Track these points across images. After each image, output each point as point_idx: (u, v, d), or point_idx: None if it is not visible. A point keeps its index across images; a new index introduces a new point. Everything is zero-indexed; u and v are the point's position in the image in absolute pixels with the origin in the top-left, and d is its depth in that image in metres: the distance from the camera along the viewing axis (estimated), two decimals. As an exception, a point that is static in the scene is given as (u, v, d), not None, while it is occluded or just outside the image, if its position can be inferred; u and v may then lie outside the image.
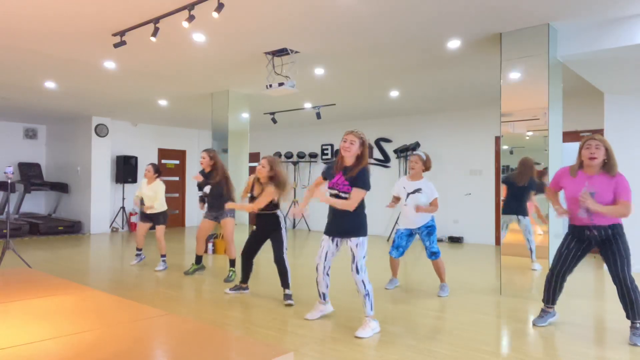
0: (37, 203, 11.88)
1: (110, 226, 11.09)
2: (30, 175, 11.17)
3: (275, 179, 4.61)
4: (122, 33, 4.97)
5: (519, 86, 4.90)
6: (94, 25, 4.89)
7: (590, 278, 5.91)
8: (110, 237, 10.02)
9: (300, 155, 11.78)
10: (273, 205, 4.67)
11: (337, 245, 3.89)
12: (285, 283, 4.62)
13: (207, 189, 5.45)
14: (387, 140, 10.58)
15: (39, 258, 7.26)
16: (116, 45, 4.97)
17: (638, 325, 3.49)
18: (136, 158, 11.41)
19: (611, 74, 5.67)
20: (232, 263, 5.68)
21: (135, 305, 2.96)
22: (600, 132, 7.74)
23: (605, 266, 6.46)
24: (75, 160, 11.17)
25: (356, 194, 3.66)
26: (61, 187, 11.18)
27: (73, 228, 10.63)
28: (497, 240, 9.04)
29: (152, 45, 5.52)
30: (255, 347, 2.32)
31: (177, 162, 12.57)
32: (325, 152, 11.65)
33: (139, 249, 6.66)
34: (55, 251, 8.01)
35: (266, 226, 4.71)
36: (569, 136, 7.99)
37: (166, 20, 4.67)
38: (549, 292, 3.86)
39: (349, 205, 3.68)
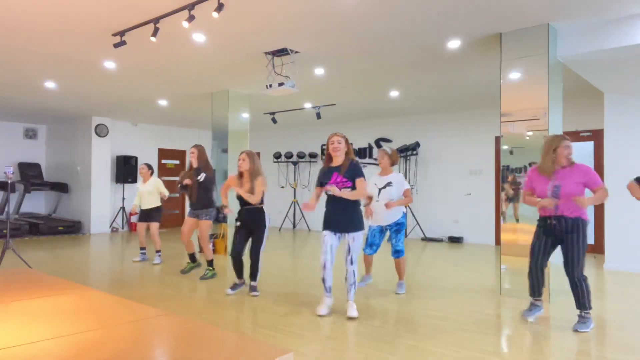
0: (37, 203, 11.88)
1: (110, 226, 11.09)
2: (30, 175, 11.17)
3: (257, 171, 4.77)
4: (122, 33, 4.97)
5: (519, 86, 4.91)
6: (94, 25, 4.90)
7: (590, 278, 5.91)
8: (110, 237, 10.02)
9: (300, 155, 11.78)
10: (261, 198, 4.83)
11: (339, 239, 4.18)
12: (254, 276, 4.82)
13: (202, 176, 5.59)
14: (387, 140, 10.57)
15: (39, 258, 7.27)
16: (116, 45, 4.97)
17: (584, 314, 3.84)
18: (136, 158, 11.41)
19: (611, 74, 5.67)
20: (210, 263, 5.80)
21: (135, 305, 2.96)
22: (600, 132, 7.75)
23: (604, 265, 6.47)
24: (75, 160, 11.17)
25: (361, 183, 4.06)
26: (61, 187, 11.18)
27: (73, 228, 10.64)
28: (497, 240, 9.05)
29: (152, 45, 5.52)
30: (255, 347, 2.32)
31: (177, 162, 12.57)
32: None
33: (142, 248, 7.01)
34: (55, 251, 8.01)
35: (251, 222, 4.82)
36: (569, 136, 7.98)
37: (166, 20, 4.68)
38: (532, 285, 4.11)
39: (360, 193, 4.05)
